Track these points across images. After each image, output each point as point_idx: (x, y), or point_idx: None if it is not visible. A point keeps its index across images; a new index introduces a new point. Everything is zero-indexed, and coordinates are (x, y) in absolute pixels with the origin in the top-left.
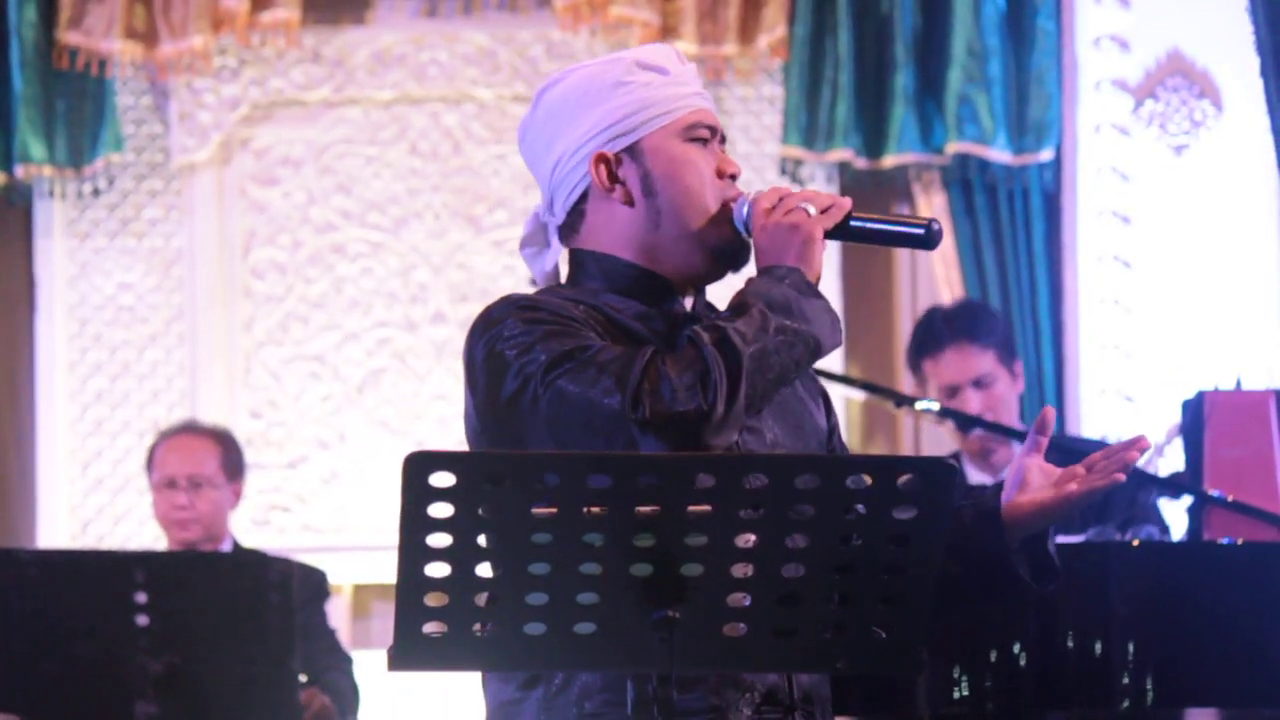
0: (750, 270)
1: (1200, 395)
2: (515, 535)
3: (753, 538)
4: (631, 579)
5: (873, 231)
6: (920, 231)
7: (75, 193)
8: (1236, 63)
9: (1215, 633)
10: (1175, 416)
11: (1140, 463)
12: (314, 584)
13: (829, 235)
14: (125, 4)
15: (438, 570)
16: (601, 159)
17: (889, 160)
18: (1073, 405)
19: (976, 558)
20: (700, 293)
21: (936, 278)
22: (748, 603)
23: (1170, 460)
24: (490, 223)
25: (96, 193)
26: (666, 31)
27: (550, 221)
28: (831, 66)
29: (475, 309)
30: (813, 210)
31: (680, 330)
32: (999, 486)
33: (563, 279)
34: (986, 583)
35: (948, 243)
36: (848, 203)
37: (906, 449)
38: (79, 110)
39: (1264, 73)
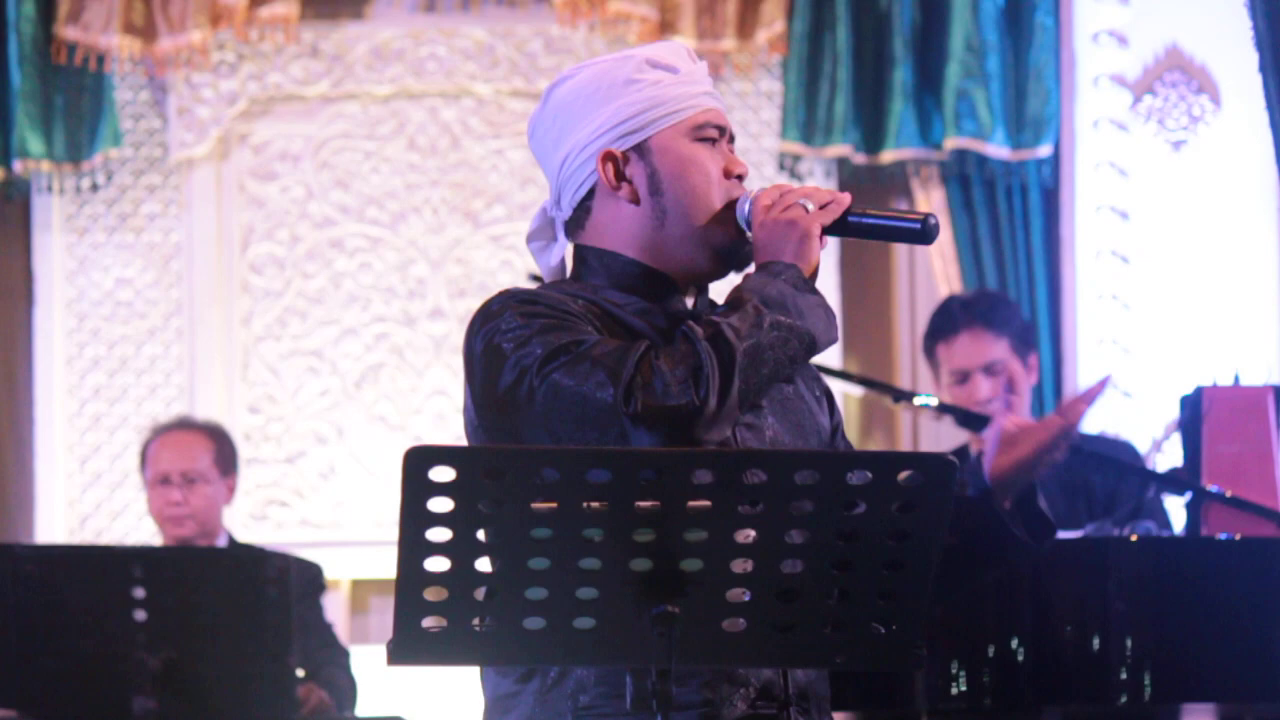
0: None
1: (1198, 391)
2: (515, 530)
3: (752, 533)
4: (631, 574)
5: (871, 227)
6: (917, 226)
7: (73, 188)
8: (1235, 58)
9: (1213, 628)
10: (1173, 412)
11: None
12: (309, 578)
13: (827, 231)
14: None
15: (437, 565)
16: (609, 157)
17: (887, 155)
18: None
19: (970, 526)
20: (703, 290)
21: (935, 273)
22: (747, 598)
23: (1168, 456)
24: (488, 218)
25: (95, 188)
26: (665, 26)
27: (557, 216)
28: (830, 62)
29: (473, 304)
30: (811, 206)
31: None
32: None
33: (568, 273)
34: (984, 549)
35: (946, 238)
36: (847, 198)
37: (904, 444)
38: (77, 105)
39: (1262, 68)
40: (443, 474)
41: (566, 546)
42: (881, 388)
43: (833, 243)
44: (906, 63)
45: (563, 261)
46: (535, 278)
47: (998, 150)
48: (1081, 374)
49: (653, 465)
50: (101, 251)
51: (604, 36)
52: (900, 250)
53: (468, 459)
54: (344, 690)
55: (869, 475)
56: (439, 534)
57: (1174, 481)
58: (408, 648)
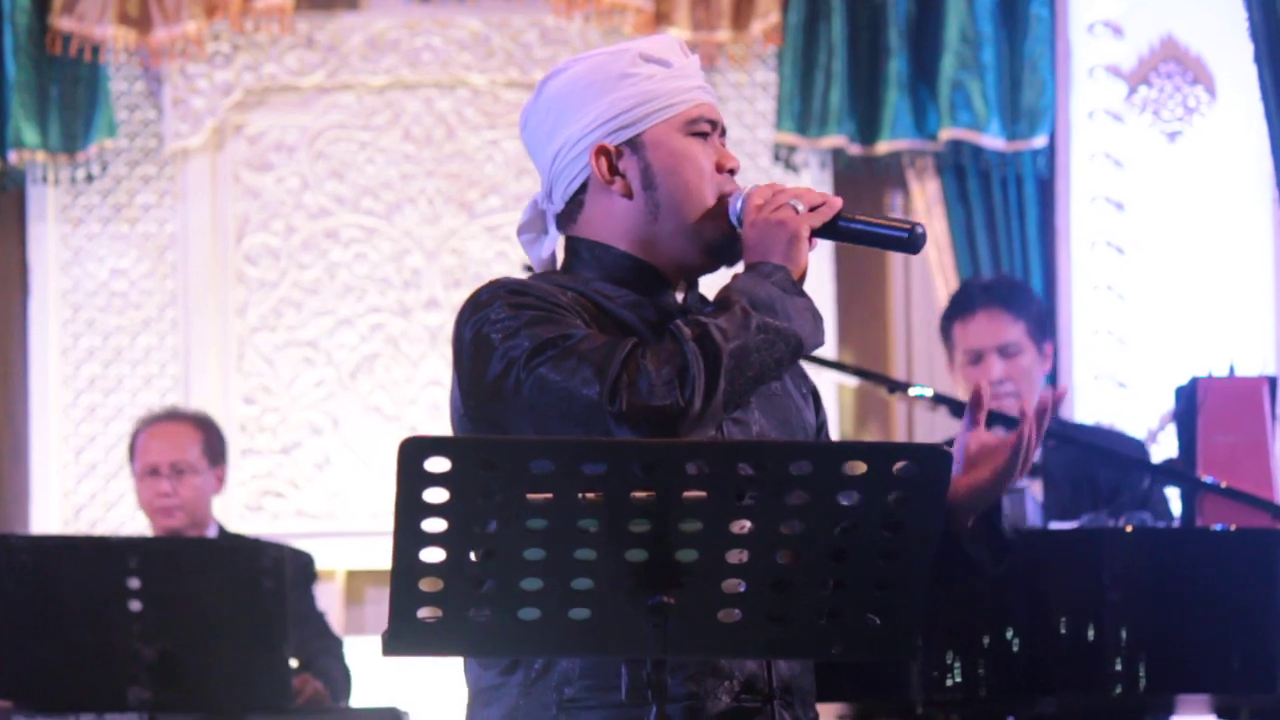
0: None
1: (1193, 381)
2: (510, 520)
3: (748, 524)
4: (626, 564)
5: (859, 232)
6: (904, 235)
7: (69, 178)
8: (1230, 49)
9: (1207, 618)
10: (1168, 403)
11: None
12: (301, 566)
13: (816, 234)
14: None
15: (433, 555)
16: (602, 151)
17: (882, 146)
18: (1066, 391)
19: None
20: (693, 285)
21: (930, 264)
22: (743, 589)
23: (1163, 446)
24: (484, 208)
25: (90, 178)
26: (660, 17)
27: (549, 209)
28: (825, 52)
29: (468, 295)
30: (802, 208)
31: (670, 321)
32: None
33: (559, 265)
34: (939, 567)
35: (941, 229)
36: (838, 202)
37: (899, 435)
38: (72, 96)
39: (1257, 59)
40: (438, 465)
41: (562, 537)
42: (876, 379)
43: None
44: (901, 54)
45: (553, 254)
46: (528, 268)
47: (993, 141)
48: (1077, 364)
49: (648, 456)
50: (96, 242)
51: (599, 27)
52: None
53: (464, 450)
54: (338, 680)
55: (864, 466)
56: (434, 525)
57: (1169, 472)
58: (403, 638)
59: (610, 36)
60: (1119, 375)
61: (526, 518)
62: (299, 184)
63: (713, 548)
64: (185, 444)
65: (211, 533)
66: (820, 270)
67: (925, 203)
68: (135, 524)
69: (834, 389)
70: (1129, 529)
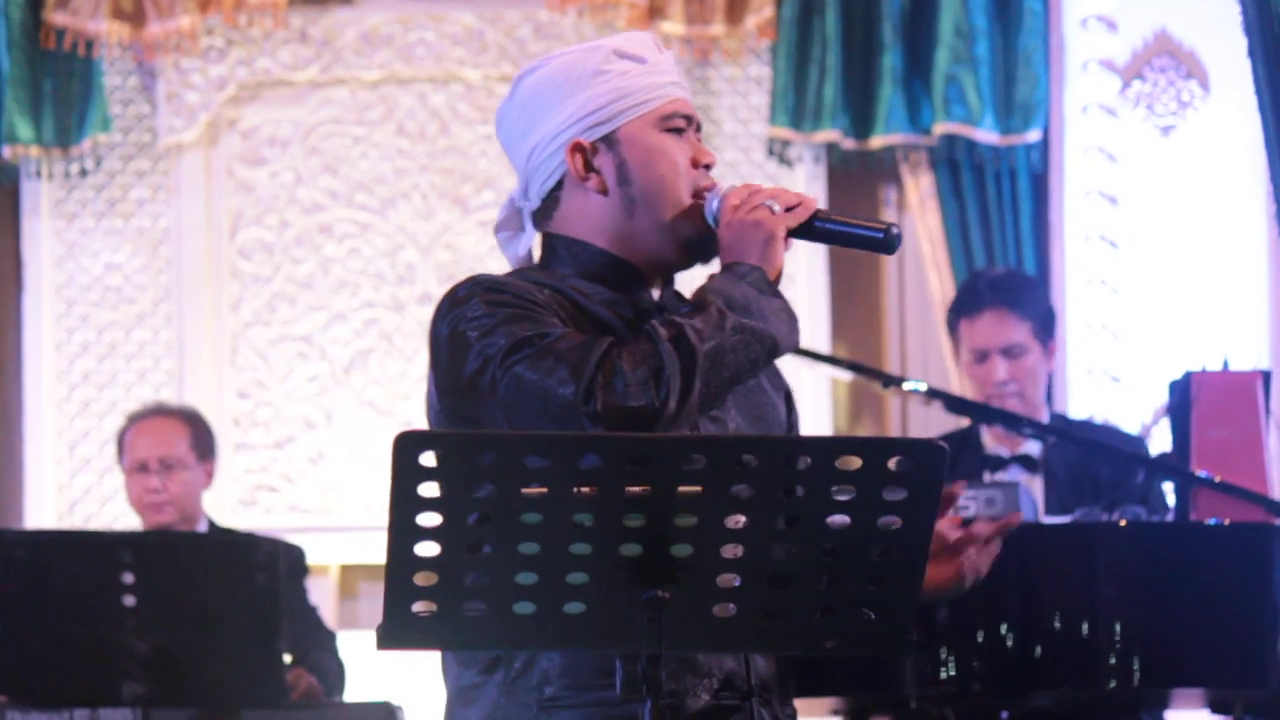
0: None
1: (1187, 376)
2: (505, 515)
3: (743, 519)
4: (621, 559)
5: (835, 233)
6: (880, 236)
7: (62, 173)
8: (1224, 43)
9: (1201, 613)
10: (1162, 397)
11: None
12: (292, 560)
13: (792, 234)
14: None
15: (427, 550)
16: (577, 148)
17: (876, 141)
18: (1060, 385)
19: None
20: (669, 282)
21: (924, 258)
22: (737, 583)
23: (1157, 441)
24: (477, 203)
25: (84, 173)
26: (654, 12)
27: (525, 207)
28: (819, 47)
29: (445, 291)
30: (778, 208)
31: (647, 318)
32: None
33: (535, 262)
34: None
35: (935, 223)
36: (814, 202)
37: (894, 430)
38: (66, 90)
39: (1251, 53)
40: (433, 459)
41: (557, 531)
42: (870, 373)
43: None
44: (896, 48)
45: (529, 252)
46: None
47: (987, 135)
48: (1070, 359)
49: (644, 450)
50: (90, 237)
51: (592, 21)
52: None
53: (458, 444)
54: (332, 674)
55: (860, 461)
56: (429, 519)
57: (1162, 467)
58: (397, 632)
59: (604, 31)
60: (1113, 370)
61: (521, 512)
62: (293, 179)
63: (708, 542)
64: (173, 439)
65: (202, 527)
66: (814, 265)
67: (919, 197)
68: (129, 519)
69: (828, 384)
70: (1123, 523)
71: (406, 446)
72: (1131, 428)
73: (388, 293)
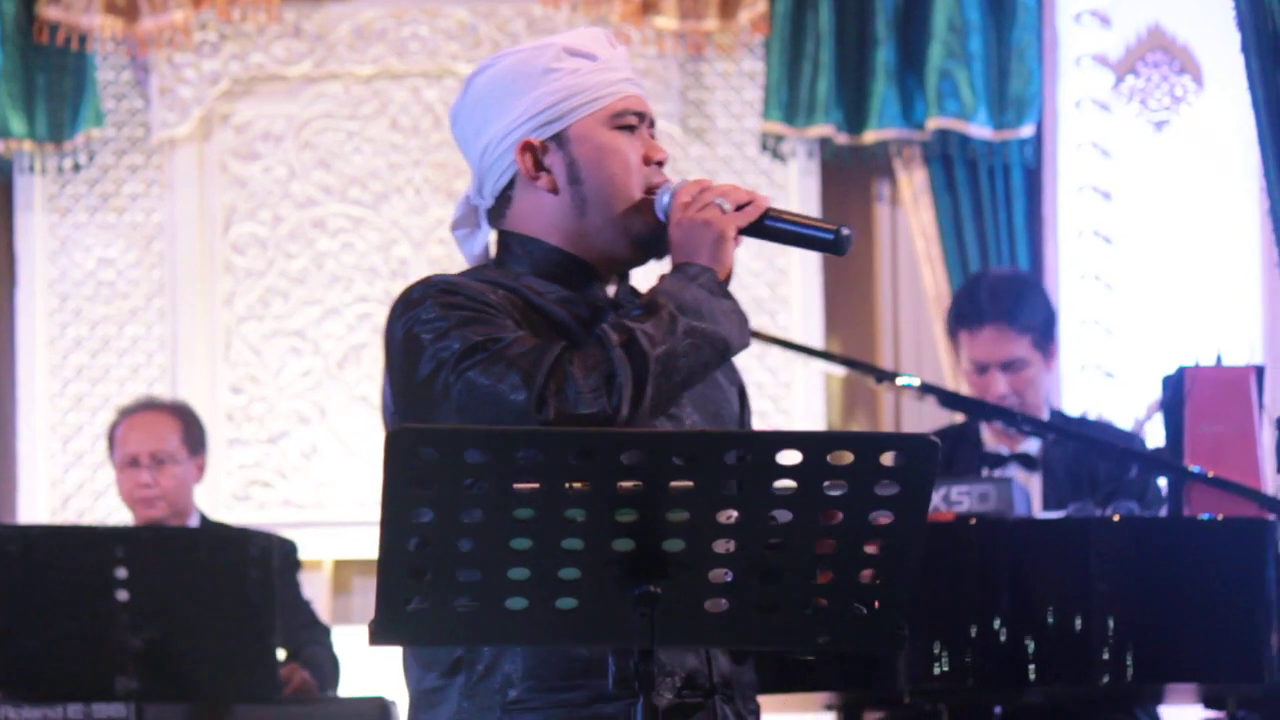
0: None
1: (1180, 371)
2: (497, 510)
3: (735, 513)
4: (613, 554)
5: (786, 232)
6: (830, 237)
7: (56, 168)
8: (1217, 38)
9: (1195, 608)
10: (1156, 392)
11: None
12: (285, 554)
13: (743, 232)
14: None
15: (420, 545)
16: (527, 147)
17: (870, 136)
18: (1054, 381)
19: None
20: (624, 278)
21: (917, 253)
22: (730, 578)
23: (1150, 436)
24: None
25: (77, 168)
26: (647, 7)
27: (480, 204)
28: (812, 42)
29: (400, 291)
30: (728, 207)
31: (602, 315)
32: None
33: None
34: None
35: (929, 218)
36: (765, 201)
37: (887, 425)
38: (59, 85)
39: (1244, 48)
40: (426, 455)
41: (549, 526)
42: (864, 368)
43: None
44: (889, 43)
45: (486, 249)
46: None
47: (980, 130)
48: (1064, 354)
49: (635, 446)
50: (84, 231)
51: (586, 16)
52: (883, 230)
53: (451, 440)
54: (327, 669)
55: (852, 456)
56: (422, 514)
57: (1156, 462)
58: (390, 628)
59: (597, 25)
60: (1106, 365)
61: (513, 507)
62: (286, 173)
63: (699, 537)
64: (164, 434)
65: (193, 522)
66: (808, 260)
67: (912, 192)
68: (122, 513)
69: (822, 379)
70: (1116, 519)
71: (399, 442)
72: (1125, 423)
73: (381, 287)
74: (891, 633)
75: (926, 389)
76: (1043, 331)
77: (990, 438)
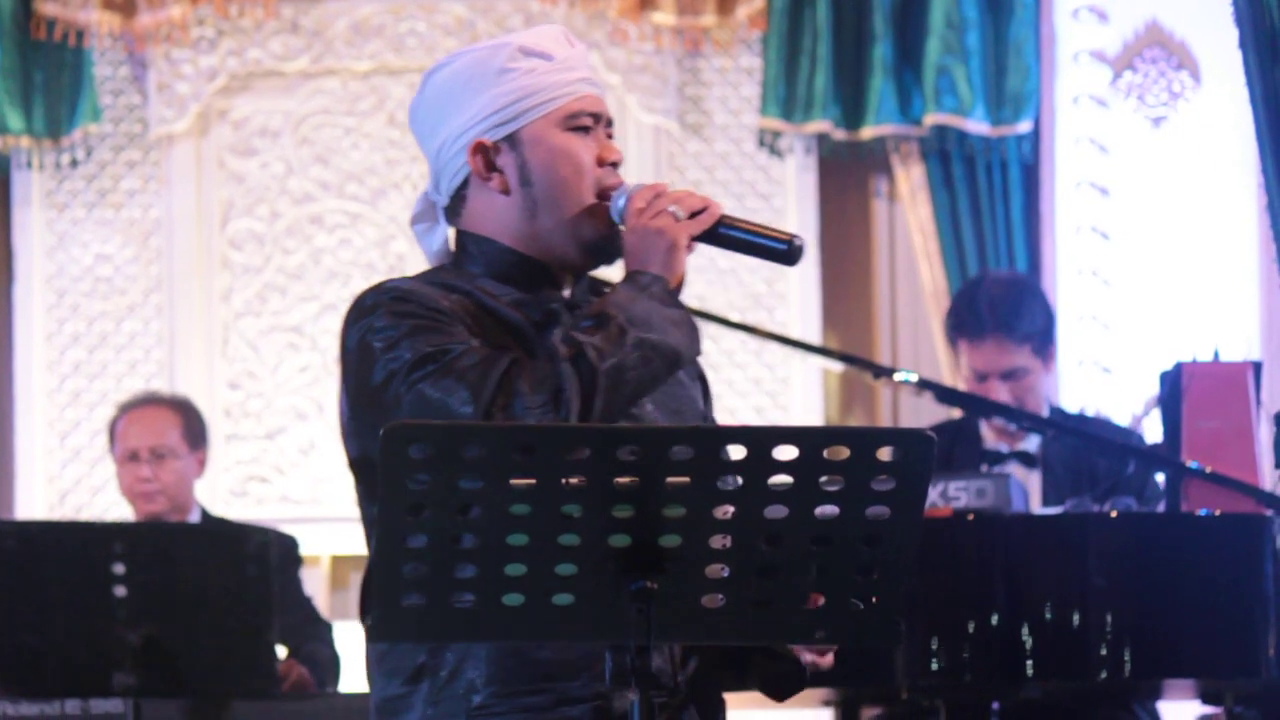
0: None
1: (1178, 367)
2: (494, 507)
3: (731, 509)
4: (610, 550)
5: (739, 240)
6: (783, 247)
7: (53, 163)
8: (1215, 34)
9: (1192, 604)
10: (1153, 388)
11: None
12: (285, 550)
13: (696, 239)
14: None
15: (417, 542)
16: (479, 148)
17: (867, 132)
18: (1052, 377)
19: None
20: (580, 279)
21: (915, 249)
22: (726, 574)
23: (1148, 432)
24: None
25: (74, 163)
26: (644, 3)
27: (437, 201)
28: (810, 38)
29: (353, 298)
30: (681, 214)
31: (556, 318)
32: None
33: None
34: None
35: (926, 214)
36: (719, 209)
37: (884, 420)
38: (57, 81)
39: (1242, 44)
40: (422, 451)
41: (546, 523)
42: (861, 364)
43: (813, 219)
44: (887, 39)
45: (446, 244)
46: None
47: (978, 126)
48: (1062, 351)
49: (632, 442)
50: (81, 227)
51: (584, 12)
52: (881, 226)
53: (447, 436)
54: (326, 665)
55: (849, 451)
56: (418, 511)
57: (1153, 457)
58: (388, 625)
59: (595, 21)
60: (1104, 360)
61: (510, 503)
62: (284, 169)
63: (696, 533)
64: (164, 428)
65: (194, 517)
66: (806, 256)
67: (910, 188)
68: (120, 509)
69: (819, 375)
70: (1113, 514)
71: (395, 439)
72: (1123, 419)
73: None
74: (889, 628)
75: (924, 384)
76: (1042, 338)
77: (990, 435)
